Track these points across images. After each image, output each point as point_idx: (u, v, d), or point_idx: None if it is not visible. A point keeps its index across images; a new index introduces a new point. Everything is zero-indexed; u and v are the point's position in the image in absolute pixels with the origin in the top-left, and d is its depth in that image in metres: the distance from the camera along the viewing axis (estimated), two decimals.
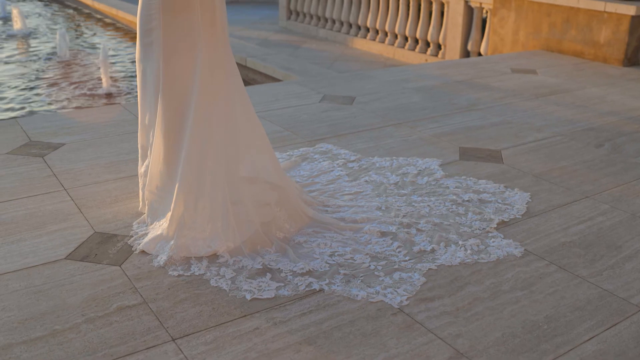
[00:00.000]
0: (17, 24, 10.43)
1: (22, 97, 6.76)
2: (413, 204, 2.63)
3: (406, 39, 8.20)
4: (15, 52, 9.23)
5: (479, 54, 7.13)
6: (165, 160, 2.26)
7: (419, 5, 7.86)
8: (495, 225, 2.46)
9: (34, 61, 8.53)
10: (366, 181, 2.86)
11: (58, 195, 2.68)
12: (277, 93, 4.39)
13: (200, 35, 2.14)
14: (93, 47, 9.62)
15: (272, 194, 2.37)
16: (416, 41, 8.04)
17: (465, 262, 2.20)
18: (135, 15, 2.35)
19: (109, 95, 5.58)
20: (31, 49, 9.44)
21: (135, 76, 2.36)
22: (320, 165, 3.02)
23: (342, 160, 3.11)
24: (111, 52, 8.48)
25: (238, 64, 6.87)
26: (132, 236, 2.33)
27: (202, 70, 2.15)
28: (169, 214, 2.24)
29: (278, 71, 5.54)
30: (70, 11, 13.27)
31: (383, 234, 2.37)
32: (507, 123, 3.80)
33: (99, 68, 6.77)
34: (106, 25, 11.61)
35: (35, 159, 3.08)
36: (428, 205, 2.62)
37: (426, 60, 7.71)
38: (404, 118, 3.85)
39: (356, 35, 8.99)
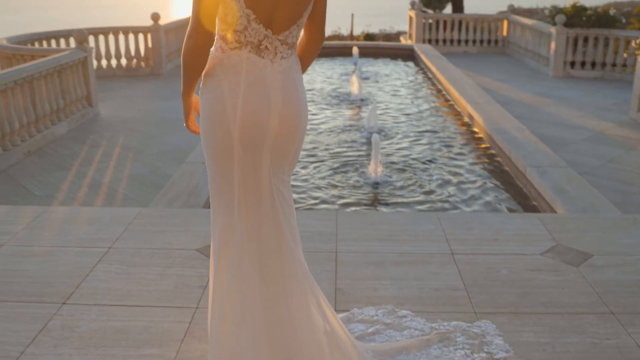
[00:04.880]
0: (354, 88, 9.57)
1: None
2: None
3: None
4: (325, 119, 8.21)
5: None
6: None
7: None
8: None
9: (333, 132, 7.50)
10: None
11: (182, 313, 2.84)
12: (502, 230, 3.83)
13: (238, 184, 2.06)
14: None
15: None
16: None
17: None
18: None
19: (375, 184, 5.58)
20: (346, 118, 8.26)
21: None
22: (448, 356, 2.54)
23: (485, 355, 2.56)
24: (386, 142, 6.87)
25: (516, 171, 6.16)
26: None
27: (241, 230, 2.06)
28: None
29: (547, 192, 4.81)
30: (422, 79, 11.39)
31: None
32: None
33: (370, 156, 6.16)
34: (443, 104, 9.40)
35: None
36: None
37: None
38: (627, 306, 2.95)
39: None
